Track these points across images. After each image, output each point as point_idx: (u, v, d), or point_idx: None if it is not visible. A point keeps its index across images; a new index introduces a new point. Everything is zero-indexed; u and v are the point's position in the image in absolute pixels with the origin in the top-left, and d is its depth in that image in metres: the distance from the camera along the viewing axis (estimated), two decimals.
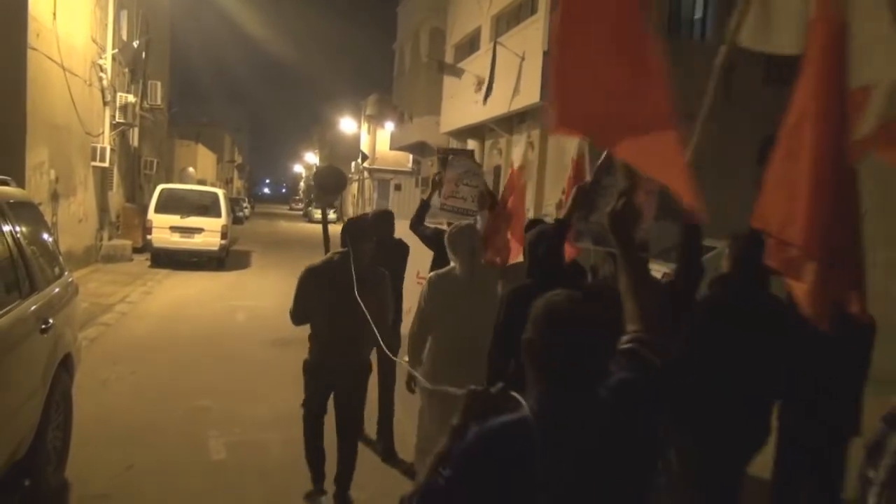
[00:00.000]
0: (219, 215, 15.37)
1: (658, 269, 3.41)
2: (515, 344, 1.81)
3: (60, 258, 5.00)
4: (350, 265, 3.98)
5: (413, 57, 29.63)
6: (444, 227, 4.76)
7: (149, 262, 15.28)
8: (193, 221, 14.97)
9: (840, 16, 2.29)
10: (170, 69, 24.98)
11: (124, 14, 17.16)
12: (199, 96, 73.50)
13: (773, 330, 3.20)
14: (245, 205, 42.99)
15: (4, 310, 3.48)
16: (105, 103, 15.54)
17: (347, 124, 40.22)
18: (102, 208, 16.02)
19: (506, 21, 18.51)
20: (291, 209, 68.43)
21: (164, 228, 14.79)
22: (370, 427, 5.16)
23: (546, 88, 12.15)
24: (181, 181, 25.27)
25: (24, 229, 4.14)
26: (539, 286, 2.53)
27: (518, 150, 17.00)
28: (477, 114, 18.24)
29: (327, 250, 4.66)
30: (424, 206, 5.32)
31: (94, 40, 14.59)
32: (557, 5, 2.63)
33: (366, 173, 40.89)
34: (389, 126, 32.12)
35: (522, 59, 15.24)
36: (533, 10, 16.26)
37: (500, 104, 16.44)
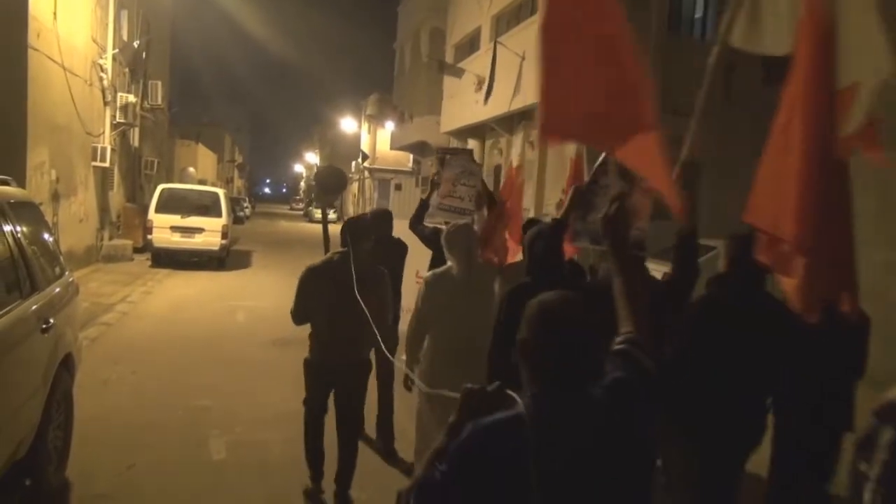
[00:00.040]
0: (219, 215, 15.37)
1: (658, 269, 3.41)
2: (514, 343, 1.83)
3: (61, 258, 5.01)
4: (350, 265, 3.99)
5: (413, 57, 29.62)
6: (443, 226, 4.77)
7: (149, 262, 15.29)
8: (194, 221, 14.97)
9: (828, 17, 2.33)
10: (170, 69, 24.99)
11: (125, 14, 17.17)
12: (200, 96, 73.70)
13: (770, 329, 3.21)
14: (245, 204, 43.02)
15: (5, 309, 3.49)
16: (106, 103, 15.55)
17: (348, 124, 40.22)
18: (103, 208, 16.03)
19: (506, 21, 18.52)
20: (292, 209, 68.45)
21: (164, 228, 14.80)
22: (370, 426, 5.17)
23: None
24: (182, 181, 25.28)
25: (24, 229, 4.14)
26: (537, 285, 2.53)
27: (516, 149, 17.01)
28: (477, 113, 18.25)
29: (327, 250, 4.67)
30: (423, 206, 5.33)
31: (94, 40, 14.59)
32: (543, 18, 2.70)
33: (366, 173, 40.88)
34: (390, 126, 32.11)
35: (522, 58, 15.24)
36: (533, 10, 16.25)
37: (500, 104, 16.44)
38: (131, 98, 16.70)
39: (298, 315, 4.18)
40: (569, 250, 3.72)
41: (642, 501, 1.67)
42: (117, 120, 16.15)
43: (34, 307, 3.89)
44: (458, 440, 1.57)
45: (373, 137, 38.00)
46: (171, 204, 15.04)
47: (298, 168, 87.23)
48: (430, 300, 4.04)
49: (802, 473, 3.55)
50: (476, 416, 1.60)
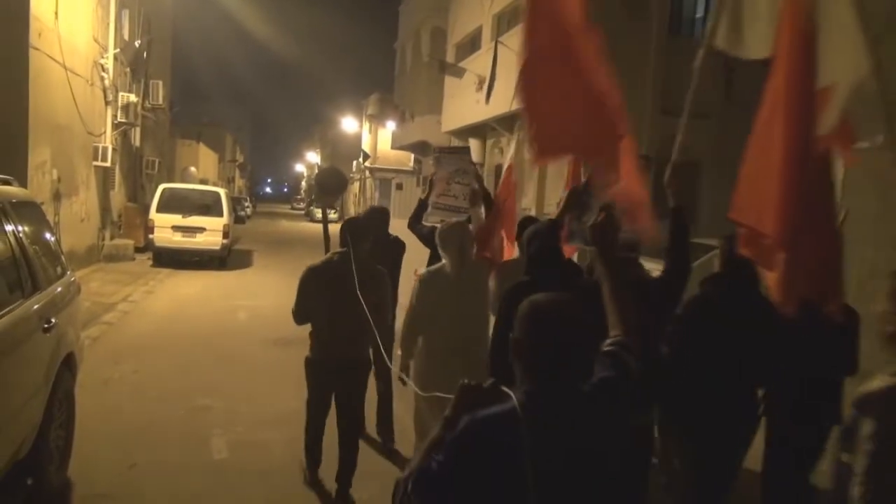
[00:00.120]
0: (220, 215, 15.38)
1: (657, 269, 3.43)
2: None
3: (63, 257, 5.02)
4: (351, 264, 4.01)
5: (414, 56, 29.61)
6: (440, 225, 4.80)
7: (151, 262, 15.31)
8: (195, 221, 14.99)
9: (809, 17, 2.38)
10: (171, 69, 24.99)
11: (126, 13, 17.19)
12: (201, 96, 73.73)
13: (763, 328, 3.23)
14: (247, 204, 43.07)
15: (7, 309, 3.50)
16: (107, 103, 15.56)
17: (349, 123, 40.22)
18: (104, 208, 16.05)
19: (507, 20, 18.50)
20: (293, 208, 68.46)
21: (165, 228, 14.81)
22: (371, 426, 5.18)
23: None
24: (183, 180, 25.28)
25: (26, 229, 4.15)
26: (535, 284, 2.56)
27: (510, 149, 17.00)
28: (478, 113, 18.24)
29: (328, 250, 4.68)
30: (422, 206, 5.36)
31: (95, 40, 14.60)
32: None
33: (367, 172, 40.89)
34: (391, 125, 32.11)
35: None
36: None
37: (501, 103, 16.42)
38: (133, 98, 16.71)
39: (299, 314, 4.20)
40: (568, 250, 3.74)
41: (635, 495, 1.73)
42: (119, 119, 16.16)
43: (36, 306, 3.90)
44: (454, 432, 1.63)
45: (374, 137, 38.00)
46: (172, 203, 15.05)
47: (299, 168, 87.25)
48: (424, 297, 4.07)
49: (793, 468, 3.59)
50: (472, 411, 1.65)
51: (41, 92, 11.36)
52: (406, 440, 4.94)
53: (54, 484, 4.04)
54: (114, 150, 15.53)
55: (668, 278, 3.19)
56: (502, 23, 18.75)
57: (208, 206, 15.45)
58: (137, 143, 19.16)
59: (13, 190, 4.37)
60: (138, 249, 16.28)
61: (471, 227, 4.58)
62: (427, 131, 25.09)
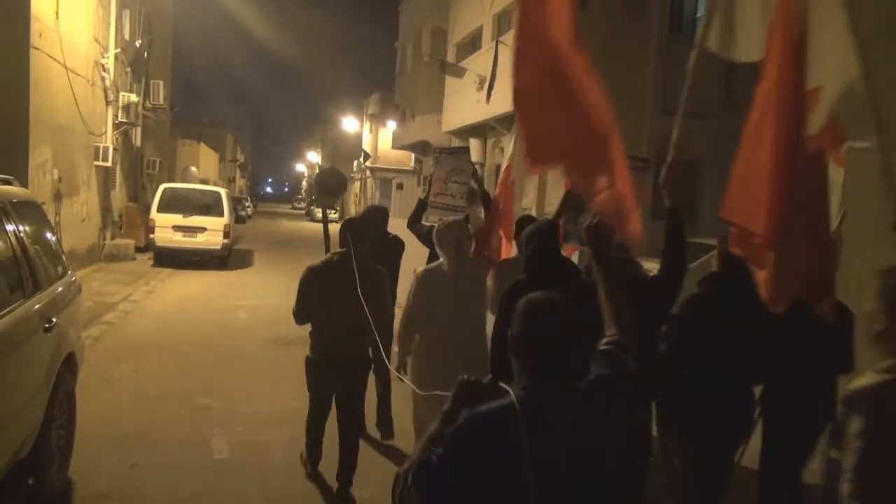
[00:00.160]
0: (221, 214, 15.38)
1: (656, 269, 3.45)
2: None
3: (64, 257, 5.03)
4: (351, 265, 4.02)
5: (415, 56, 29.62)
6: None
7: (151, 262, 15.32)
8: (196, 220, 14.99)
9: (800, 19, 2.40)
10: (172, 68, 25.00)
11: (127, 13, 17.20)
12: (202, 95, 73.73)
13: (761, 328, 3.23)
14: (247, 204, 43.07)
15: (8, 309, 3.51)
16: (108, 103, 15.57)
17: (349, 123, 40.24)
18: (105, 207, 16.06)
19: (507, 20, 18.49)
20: (294, 208, 68.52)
21: (166, 227, 14.82)
22: (371, 425, 5.19)
23: None
24: (184, 180, 25.28)
25: (27, 228, 4.16)
26: (534, 283, 2.57)
27: (508, 150, 16.99)
28: (479, 112, 18.24)
29: (328, 250, 4.69)
30: (421, 206, 5.38)
31: (96, 40, 14.62)
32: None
33: (368, 172, 40.90)
34: (391, 125, 32.14)
35: None
36: None
37: (501, 103, 16.41)
38: (133, 97, 16.73)
39: (299, 314, 4.21)
40: (566, 250, 3.76)
41: (633, 495, 1.75)
42: (119, 119, 16.18)
43: (37, 306, 3.91)
44: (453, 426, 1.65)
45: (374, 137, 38.03)
46: (173, 203, 15.06)
47: (300, 167, 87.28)
48: (421, 295, 4.08)
49: (788, 467, 3.62)
50: (471, 405, 1.67)
51: (42, 92, 11.38)
52: (405, 438, 4.94)
53: (55, 484, 4.05)
54: (115, 149, 15.55)
55: (664, 278, 3.22)
56: (503, 22, 18.75)
57: (209, 206, 15.45)
58: (138, 142, 19.17)
59: (14, 190, 4.37)
60: (139, 249, 16.30)
61: (469, 225, 4.59)
62: (428, 131, 25.11)
